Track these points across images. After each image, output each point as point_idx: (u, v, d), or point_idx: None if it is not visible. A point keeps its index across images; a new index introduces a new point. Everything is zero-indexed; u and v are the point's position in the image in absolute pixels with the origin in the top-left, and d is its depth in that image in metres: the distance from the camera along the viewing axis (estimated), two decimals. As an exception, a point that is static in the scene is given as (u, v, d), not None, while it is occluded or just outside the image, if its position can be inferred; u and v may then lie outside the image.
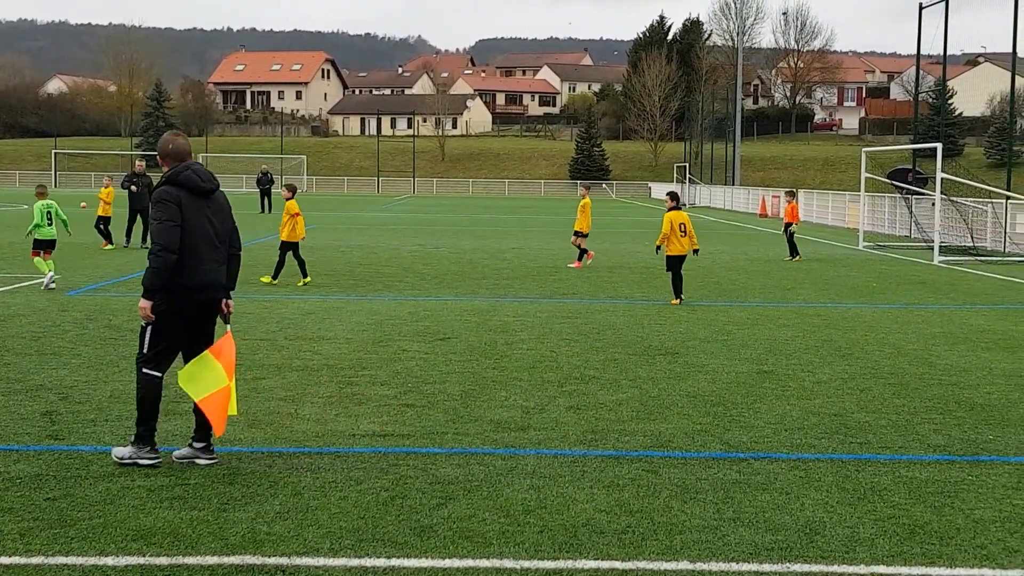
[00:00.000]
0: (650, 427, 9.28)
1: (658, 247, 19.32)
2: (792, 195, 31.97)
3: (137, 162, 31.77)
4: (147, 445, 7.79)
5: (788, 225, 29.74)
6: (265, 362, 12.11)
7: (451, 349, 13.23)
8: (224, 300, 8.14)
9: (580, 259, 25.81)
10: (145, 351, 7.89)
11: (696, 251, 19.24)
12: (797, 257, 28.86)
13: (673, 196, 19.83)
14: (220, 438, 8.60)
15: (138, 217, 29.22)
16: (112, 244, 28.63)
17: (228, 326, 8.16)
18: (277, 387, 10.71)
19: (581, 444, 8.65)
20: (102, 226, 29.12)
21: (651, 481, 7.61)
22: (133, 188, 29.25)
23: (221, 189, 8.25)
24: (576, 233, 26.22)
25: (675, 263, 18.84)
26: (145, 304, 7.79)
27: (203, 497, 7.07)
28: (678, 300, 18.57)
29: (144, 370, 7.88)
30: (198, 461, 7.86)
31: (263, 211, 51.75)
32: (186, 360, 8.04)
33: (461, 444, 8.59)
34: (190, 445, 7.96)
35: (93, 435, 8.68)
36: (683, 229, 18.87)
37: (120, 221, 29.94)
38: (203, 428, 7.89)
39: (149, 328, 7.85)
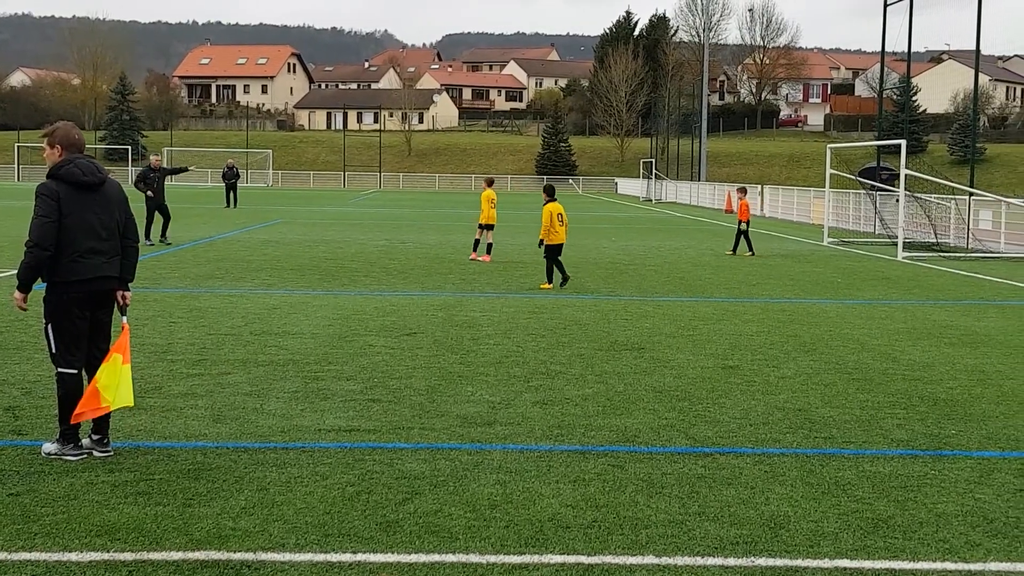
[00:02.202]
0: (616, 422, 9.30)
1: (541, 240, 20.22)
2: (744, 191, 32.10)
3: (152, 158, 31.43)
4: (71, 442, 7.84)
5: (740, 222, 29.78)
6: (230, 357, 12.06)
7: (417, 344, 13.22)
8: (121, 292, 8.12)
9: (476, 250, 25.97)
10: (53, 350, 7.93)
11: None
12: (751, 253, 28.96)
13: (548, 190, 21.09)
14: (185, 433, 8.57)
15: (156, 213, 28.90)
16: None
17: (124, 318, 8.14)
18: (242, 382, 10.67)
19: (547, 439, 8.66)
20: None
21: (617, 476, 7.63)
22: (150, 194, 28.78)
23: (112, 179, 8.21)
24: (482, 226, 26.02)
25: (554, 251, 20.14)
26: (18, 296, 7.98)
27: (167, 492, 7.03)
28: (548, 284, 19.95)
29: (59, 369, 7.92)
30: (95, 453, 7.87)
31: (228, 205, 51.51)
32: (87, 359, 8.03)
33: (427, 439, 8.58)
34: (88, 436, 7.96)
35: (56, 430, 8.60)
36: (561, 219, 20.18)
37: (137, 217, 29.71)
38: (101, 420, 7.90)
39: (49, 327, 7.91)
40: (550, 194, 20.92)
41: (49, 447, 7.89)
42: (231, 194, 52.33)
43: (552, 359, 12.36)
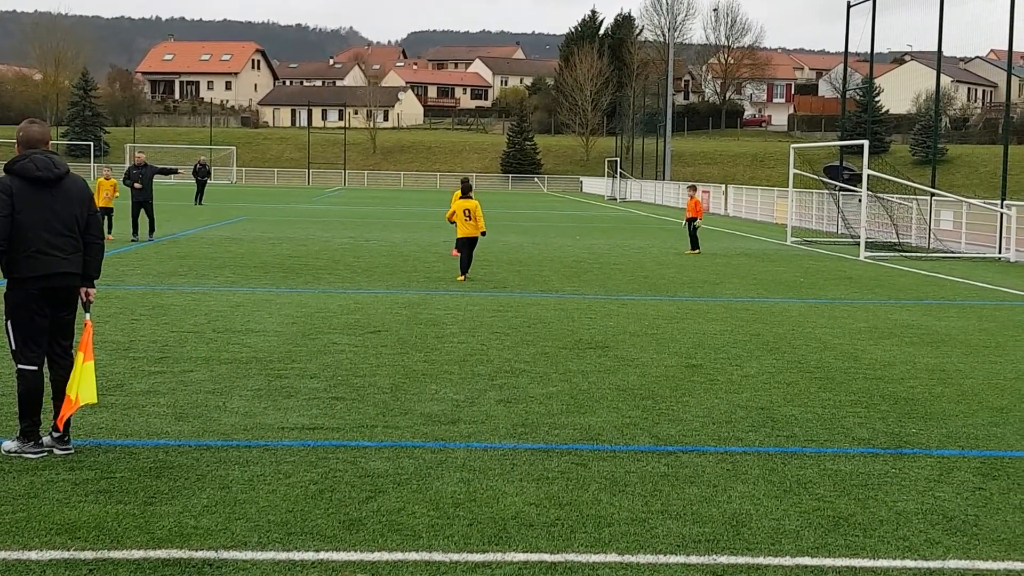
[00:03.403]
0: (580, 420, 9.32)
1: (451, 222, 21.68)
2: (694, 189, 32.55)
3: (137, 154, 31.25)
4: (31, 440, 7.80)
5: (692, 220, 29.96)
6: (193, 355, 12.00)
7: (381, 342, 13.20)
8: (84, 289, 8.08)
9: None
10: (13, 347, 7.90)
11: (483, 233, 21.55)
12: (697, 251, 29.15)
13: (464, 187, 21.88)
14: (147, 431, 8.53)
15: (141, 210, 28.80)
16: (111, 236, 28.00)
17: (88, 315, 8.11)
18: (205, 380, 10.62)
19: (511, 437, 8.67)
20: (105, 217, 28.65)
21: (580, 474, 7.64)
22: (137, 186, 28.72)
23: (75, 175, 8.15)
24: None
25: (465, 244, 21.18)
26: None
27: (129, 491, 6.99)
28: (463, 277, 20.82)
29: (19, 365, 7.89)
30: (56, 451, 7.82)
31: (198, 203, 51.29)
32: (48, 353, 8.01)
33: (391, 437, 8.57)
34: (49, 434, 7.92)
35: (16, 428, 8.52)
36: (468, 215, 21.22)
37: (122, 213, 29.58)
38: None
39: (8, 323, 7.88)
40: (464, 191, 21.76)
41: (9, 444, 7.84)
42: (201, 191, 52.24)
43: (516, 357, 12.37)
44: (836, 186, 41.34)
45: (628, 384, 10.98)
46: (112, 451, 7.94)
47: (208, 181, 53.70)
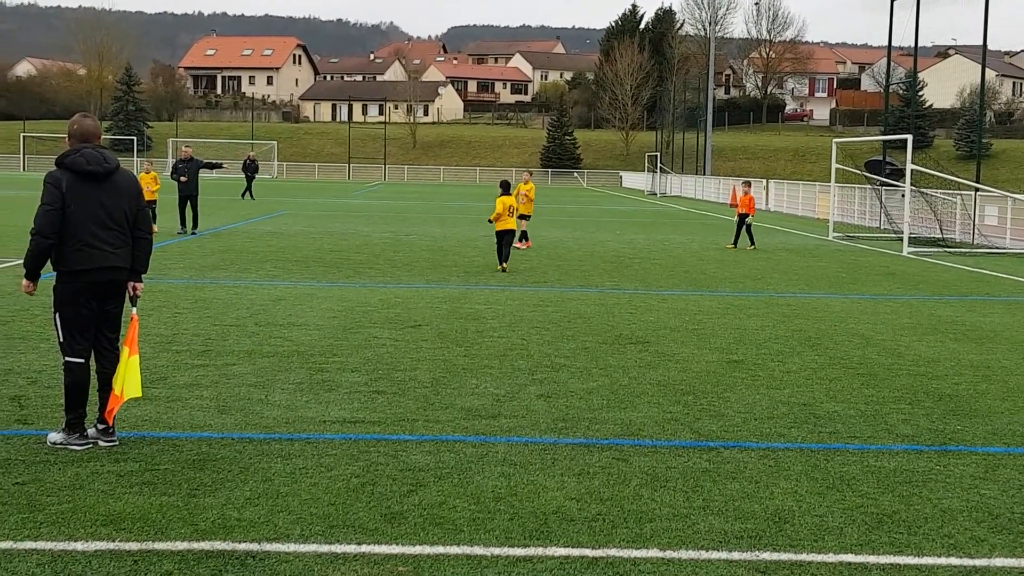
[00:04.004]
0: (620, 415, 9.30)
1: (491, 220, 22.34)
2: (748, 185, 32.30)
3: (183, 148, 31.50)
4: (76, 432, 7.85)
5: (744, 215, 29.87)
6: (235, 348, 12.06)
7: (422, 336, 13.22)
8: (132, 283, 8.13)
9: (522, 240, 27.43)
10: (61, 339, 7.96)
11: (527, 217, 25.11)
12: (752, 246, 29.16)
13: (503, 185, 22.82)
14: (190, 423, 8.58)
15: (188, 203, 29.11)
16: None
17: (134, 309, 8.15)
18: (248, 373, 10.67)
19: (552, 432, 8.67)
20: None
21: (621, 469, 7.63)
22: (183, 179, 29.05)
23: (124, 170, 8.17)
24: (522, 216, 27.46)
25: (504, 236, 21.90)
26: (25, 283, 8.10)
27: (173, 483, 7.04)
28: (502, 267, 21.54)
29: (66, 358, 7.94)
30: (100, 443, 7.87)
31: (250, 197, 51.49)
32: (95, 346, 8.07)
33: (432, 431, 8.59)
34: (94, 426, 7.98)
35: (63, 419, 8.61)
36: (511, 211, 22.13)
37: (167, 207, 29.86)
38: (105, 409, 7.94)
39: (56, 316, 7.94)
40: (504, 189, 22.60)
41: (55, 436, 7.90)
42: (249, 186, 52.53)
43: (557, 352, 12.36)
44: (878, 181, 41.04)
45: (669, 379, 10.94)
46: (156, 443, 8.00)
47: (256, 176, 53.92)
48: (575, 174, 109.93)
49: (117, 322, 8.19)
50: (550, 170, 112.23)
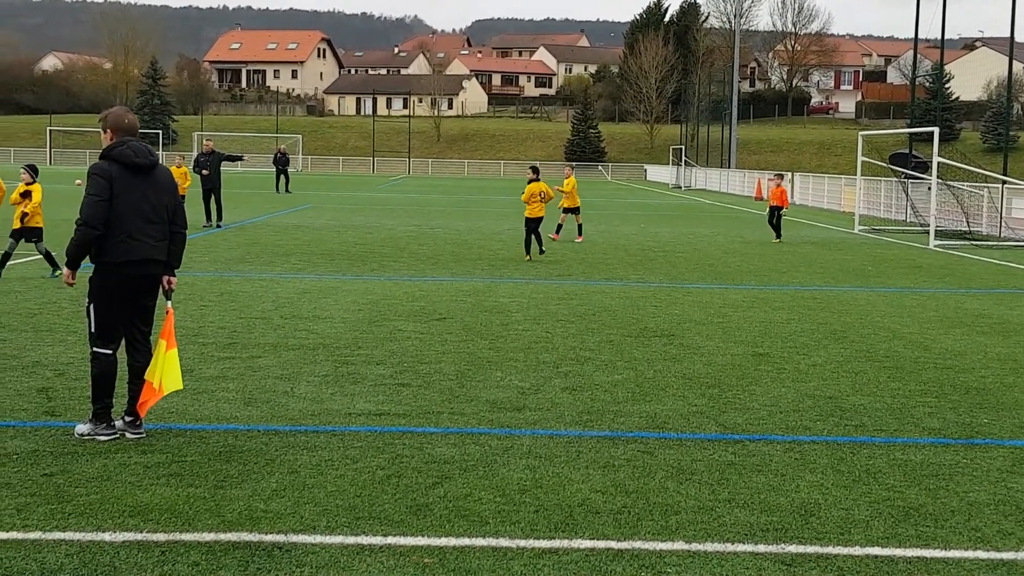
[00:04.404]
0: (646, 408, 9.30)
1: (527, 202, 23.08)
2: (780, 177, 32.25)
3: (205, 141, 31.62)
4: (103, 422, 7.90)
5: (777, 208, 29.79)
6: (261, 341, 12.11)
7: (447, 329, 13.24)
8: (166, 277, 8.17)
9: (580, 233, 27.98)
10: (92, 330, 7.98)
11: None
12: (778, 240, 29.10)
13: (534, 170, 23.86)
14: (216, 415, 8.62)
15: (211, 196, 29.28)
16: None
17: (169, 303, 8.19)
18: (273, 365, 10.71)
19: (577, 425, 8.67)
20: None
21: (646, 462, 7.63)
22: (204, 172, 29.25)
23: (162, 165, 8.25)
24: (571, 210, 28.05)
25: (532, 224, 22.51)
26: (66, 272, 8.07)
27: (200, 474, 7.08)
28: (528, 257, 22.24)
29: (94, 349, 7.99)
30: (128, 435, 7.90)
31: (285, 191, 51.72)
32: (127, 338, 8.12)
33: (457, 424, 8.60)
34: (121, 418, 8.01)
35: (90, 410, 8.67)
36: (542, 196, 22.65)
37: (191, 201, 30.02)
38: (134, 402, 7.98)
39: (91, 306, 7.96)
40: (535, 173, 23.58)
41: (82, 428, 7.95)
42: (281, 179, 52.67)
43: (581, 345, 12.35)
44: (904, 174, 40.85)
45: (694, 372, 10.93)
46: (183, 435, 8.04)
47: (288, 170, 54.07)
48: (599, 167, 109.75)
49: (151, 315, 8.24)
50: (574, 163, 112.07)
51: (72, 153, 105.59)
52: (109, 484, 6.85)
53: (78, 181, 43.63)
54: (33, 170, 17.94)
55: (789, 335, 13.44)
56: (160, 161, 8.23)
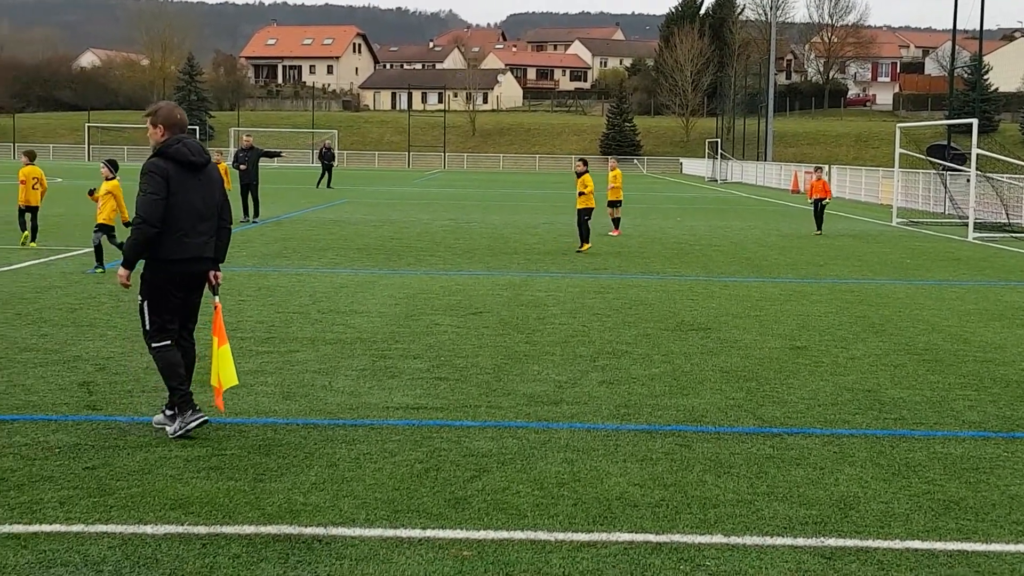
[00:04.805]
0: (683, 402, 9.28)
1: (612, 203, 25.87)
2: (820, 170, 32.21)
3: (244, 137, 31.81)
4: (188, 409, 7.84)
5: (821, 200, 29.69)
6: (299, 335, 12.17)
7: (483, 323, 13.26)
8: (213, 272, 8.20)
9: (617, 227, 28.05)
10: (147, 327, 8.00)
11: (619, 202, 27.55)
12: (819, 232, 29.07)
13: (583, 162, 24.80)
14: (255, 409, 8.68)
15: (248, 192, 29.48)
16: None
17: (216, 297, 8.22)
18: (311, 360, 10.76)
19: (614, 418, 8.67)
20: None
21: (684, 455, 7.62)
22: (243, 167, 29.50)
23: (213, 162, 8.27)
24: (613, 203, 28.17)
25: (586, 214, 23.27)
26: (122, 272, 8.03)
27: (239, 468, 7.12)
28: (588, 245, 22.88)
29: (153, 344, 7.99)
30: (167, 428, 7.90)
31: (328, 186, 51.81)
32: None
33: (494, 417, 8.62)
34: (162, 412, 8.05)
35: (130, 406, 8.76)
36: (586, 186, 23.62)
37: (231, 195, 30.22)
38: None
39: (144, 304, 7.97)
40: (585, 165, 24.66)
41: (171, 428, 7.87)
42: (326, 174, 52.80)
43: (618, 339, 12.34)
44: (941, 166, 40.55)
45: (731, 366, 10.90)
46: (222, 429, 8.09)
47: (333, 164, 54.20)
48: (635, 161, 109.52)
49: (196, 311, 8.28)
50: (609, 157, 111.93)
51: (110, 149, 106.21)
52: (150, 477, 6.90)
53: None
54: (113, 165, 18.08)
55: (827, 328, 13.38)
56: None
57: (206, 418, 7.90)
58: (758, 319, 14.03)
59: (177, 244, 7.85)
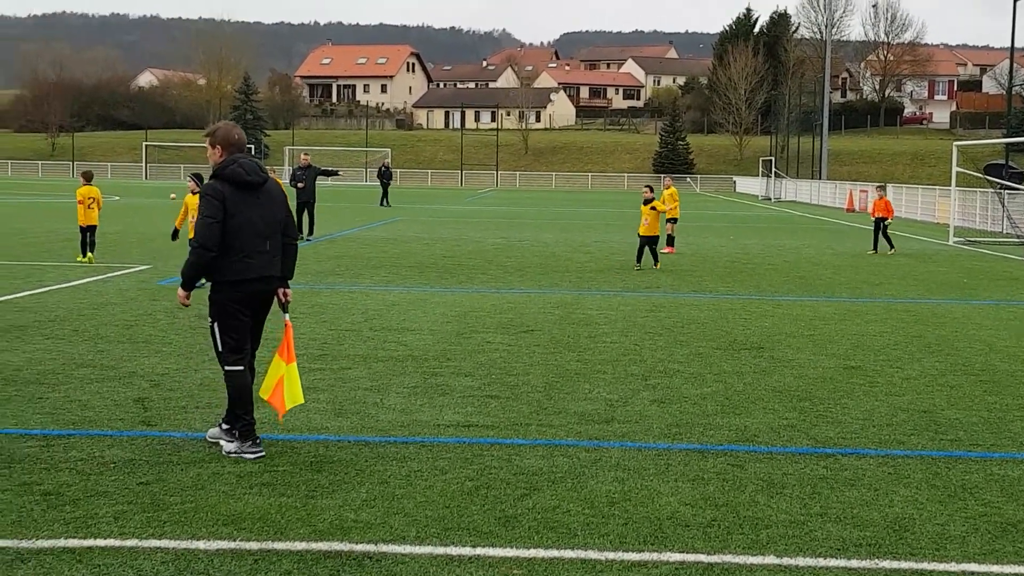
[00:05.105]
0: (735, 421, 9.22)
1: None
2: (883, 189, 31.90)
3: (302, 156, 32.03)
4: (249, 439, 7.86)
5: (882, 219, 29.42)
6: (351, 352, 12.22)
7: (535, 341, 13.25)
8: (282, 290, 8.21)
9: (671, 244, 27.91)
10: (219, 348, 8.01)
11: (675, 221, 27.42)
12: (892, 250, 28.81)
13: (651, 189, 24.37)
14: (307, 426, 8.72)
15: (305, 210, 29.69)
16: None
17: (287, 315, 8.23)
18: (363, 377, 10.80)
19: (665, 437, 8.63)
20: None
21: (736, 475, 7.56)
22: (300, 185, 29.74)
23: (273, 180, 8.25)
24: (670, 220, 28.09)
25: (648, 240, 23.39)
26: (181, 294, 8.07)
27: (291, 484, 7.16)
28: (657, 264, 23.35)
29: (226, 367, 8.00)
30: (222, 442, 7.93)
31: (384, 204, 52.18)
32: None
33: (545, 436, 8.60)
34: (218, 425, 8.08)
35: (184, 422, 8.83)
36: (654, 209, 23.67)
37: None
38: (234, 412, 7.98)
39: (215, 325, 7.98)
40: (652, 192, 24.20)
41: (229, 446, 7.91)
42: (385, 192, 53.17)
43: (670, 358, 12.29)
44: (999, 185, 40.11)
45: (784, 385, 10.82)
46: (275, 445, 8.13)
47: (389, 183, 54.56)
48: (688, 179, 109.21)
49: (260, 331, 8.28)
50: (662, 175, 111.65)
51: (167, 167, 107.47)
52: (203, 493, 6.95)
53: (173, 195, 44.45)
54: (199, 179, 18.32)
55: (882, 348, 13.26)
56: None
57: (263, 454, 7.85)
58: (812, 338, 13.93)
59: (240, 265, 7.85)
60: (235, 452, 7.85)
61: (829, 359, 12.40)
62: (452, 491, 7.06)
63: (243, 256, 7.86)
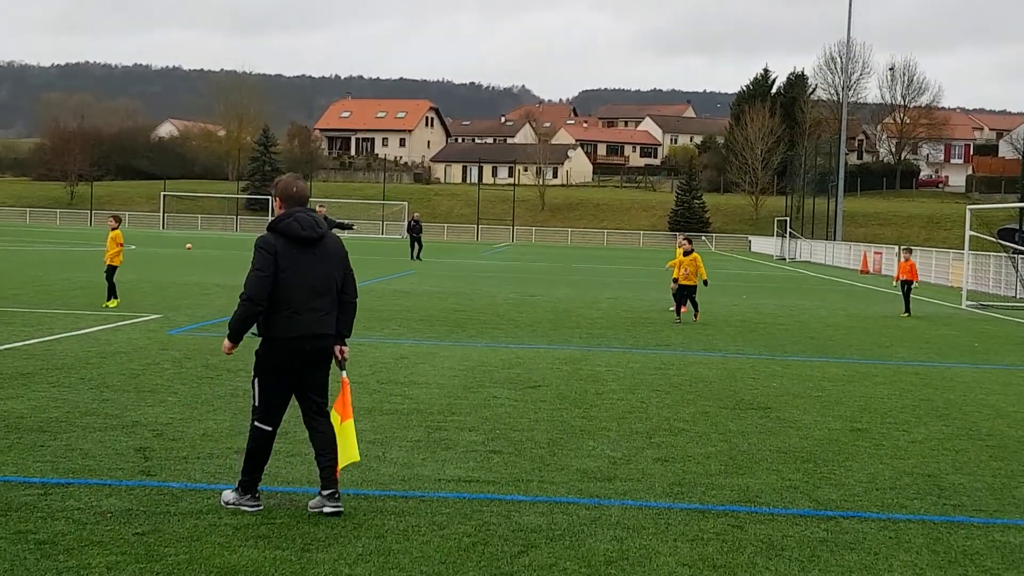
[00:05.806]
0: (738, 482, 9.18)
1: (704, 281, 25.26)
2: (909, 252, 31.74)
3: (318, 207, 32.08)
4: (249, 493, 7.82)
5: (908, 282, 29.32)
6: (356, 405, 12.09)
7: (541, 397, 13.23)
8: (339, 347, 8.08)
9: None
10: (256, 403, 7.95)
11: (705, 282, 25.43)
12: (907, 314, 28.67)
13: (689, 240, 26.03)
14: (308, 478, 8.69)
15: None
16: None
17: (343, 373, 8.14)
18: (367, 430, 10.78)
19: (667, 496, 8.59)
20: None
21: (736, 536, 7.52)
22: None
23: (332, 234, 8.11)
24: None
25: (687, 290, 24.58)
26: (227, 345, 7.97)
27: (287, 537, 7.14)
28: (678, 319, 24.19)
29: (255, 423, 7.93)
30: (325, 509, 7.73)
31: (414, 258, 52.36)
32: (304, 411, 8.07)
33: (546, 492, 8.57)
34: (319, 494, 7.86)
35: (184, 472, 8.83)
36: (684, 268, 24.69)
37: None
38: (330, 473, 7.85)
39: (255, 380, 7.91)
40: (690, 243, 25.67)
41: (228, 495, 7.88)
42: (415, 246, 53.34)
43: (676, 416, 12.26)
44: (1012, 249, 40.05)
45: (789, 446, 10.77)
46: (273, 497, 8.12)
47: (419, 236, 54.69)
48: (703, 238, 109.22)
49: (325, 387, 8.11)
50: (678, 234, 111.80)
51: (185, 217, 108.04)
52: (198, 544, 6.93)
53: (188, 245, 44.71)
54: (117, 219, 18.60)
55: (889, 411, 13.20)
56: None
57: (261, 508, 7.79)
58: (819, 399, 13.88)
59: (288, 322, 7.73)
60: (233, 503, 7.82)
61: (835, 420, 12.35)
62: (449, 547, 7.03)
63: (292, 312, 7.73)
